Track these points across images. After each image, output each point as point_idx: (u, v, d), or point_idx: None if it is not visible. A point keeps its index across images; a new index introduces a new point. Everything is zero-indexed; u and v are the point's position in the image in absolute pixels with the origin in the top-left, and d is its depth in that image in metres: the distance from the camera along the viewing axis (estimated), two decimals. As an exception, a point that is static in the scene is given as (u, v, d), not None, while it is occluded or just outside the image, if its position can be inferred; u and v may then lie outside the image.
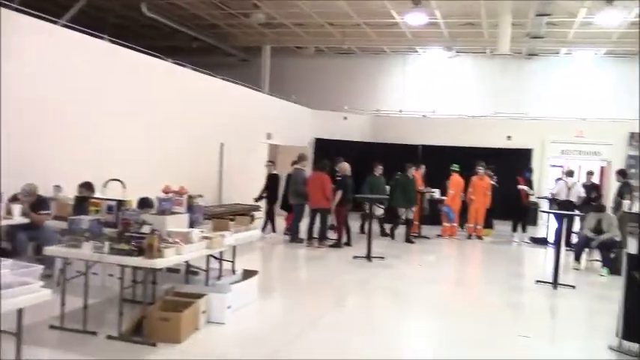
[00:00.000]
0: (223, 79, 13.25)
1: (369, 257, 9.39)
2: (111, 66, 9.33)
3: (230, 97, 13.36)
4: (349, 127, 17.53)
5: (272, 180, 11.52)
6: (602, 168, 16.95)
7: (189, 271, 6.55)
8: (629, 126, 16.18)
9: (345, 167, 10.79)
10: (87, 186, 7.32)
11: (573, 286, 8.06)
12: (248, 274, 6.65)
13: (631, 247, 6.26)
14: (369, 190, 11.00)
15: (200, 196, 6.64)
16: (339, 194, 10.47)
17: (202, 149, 11.99)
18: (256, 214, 10.37)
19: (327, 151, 15.47)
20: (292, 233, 10.96)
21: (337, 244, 10.56)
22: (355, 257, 9.52)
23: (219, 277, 6.64)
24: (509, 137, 16.73)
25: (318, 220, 10.62)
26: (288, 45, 18.77)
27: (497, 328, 6.08)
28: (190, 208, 6.24)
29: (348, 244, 10.70)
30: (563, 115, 17.04)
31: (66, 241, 5.01)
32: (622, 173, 12.19)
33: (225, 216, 8.00)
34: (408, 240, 11.23)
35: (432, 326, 6.20)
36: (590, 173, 12.93)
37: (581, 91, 17.89)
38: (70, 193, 7.46)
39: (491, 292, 7.96)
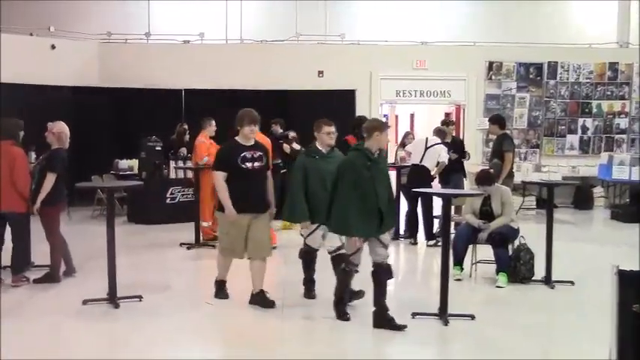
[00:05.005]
0: None
1: (113, 299, 7.67)
2: None
3: None
4: (60, 62, 15.92)
5: None
6: (446, 114, 17.45)
7: None
8: (486, 53, 16.83)
9: (61, 129, 8.86)
10: None
11: (472, 316, 7.33)
12: None
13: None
14: (303, 183, 7.87)
15: None
16: (49, 180, 8.55)
17: None
18: None
19: (21, 103, 13.75)
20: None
21: (50, 277, 8.77)
22: (88, 301, 7.73)
23: None
24: (320, 73, 16.69)
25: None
26: None
27: None
28: None
29: (68, 272, 9.05)
30: (396, 38, 17.04)
31: None
32: (499, 121, 11.82)
33: None
34: (340, 309, 7.43)
35: None
36: (448, 123, 12.86)
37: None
38: None
39: (354, 345, 6.79)
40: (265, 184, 7.86)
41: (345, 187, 6.91)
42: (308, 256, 8.07)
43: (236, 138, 7.78)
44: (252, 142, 7.75)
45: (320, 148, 7.85)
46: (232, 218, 7.54)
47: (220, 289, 8.06)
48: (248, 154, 7.63)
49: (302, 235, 8.01)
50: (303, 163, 7.83)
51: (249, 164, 7.63)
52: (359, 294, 7.68)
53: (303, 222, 7.86)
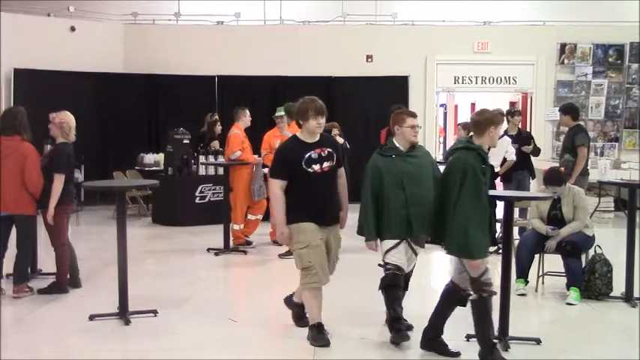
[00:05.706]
0: None
1: (124, 314, 7.51)
2: None
3: None
4: (81, 46, 16.17)
5: None
6: (512, 104, 17.86)
7: None
8: (558, 33, 16.91)
9: (63, 119, 8.70)
10: None
11: (537, 340, 7.05)
12: None
13: None
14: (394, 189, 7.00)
15: None
16: (58, 182, 8.42)
17: None
18: None
19: (37, 91, 14.31)
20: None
21: (56, 287, 8.73)
22: (95, 317, 7.61)
23: None
24: (369, 58, 16.80)
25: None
26: None
27: None
28: None
29: (75, 283, 8.99)
30: (455, 17, 17.13)
31: None
32: (572, 112, 11.66)
33: None
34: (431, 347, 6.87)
35: None
36: (514, 113, 12.71)
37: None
38: None
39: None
40: (337, 187, 7.12)
41: (466, 196, 6.16)
42: (393, 283, 6.89)
43: (297, 134, 7.07)
44: (318, 138, 6.91)
45: (398, 145, 6.97)
46: (284, 239, 6.91)
47: (319, 333, 6.86)
48: (314, 154, 6.79)
49: (382, 263, 7.08)
50: (376, 166, 6.96)
51: (316, 166, 6.80)
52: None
53: (371, 241, 7.01)
